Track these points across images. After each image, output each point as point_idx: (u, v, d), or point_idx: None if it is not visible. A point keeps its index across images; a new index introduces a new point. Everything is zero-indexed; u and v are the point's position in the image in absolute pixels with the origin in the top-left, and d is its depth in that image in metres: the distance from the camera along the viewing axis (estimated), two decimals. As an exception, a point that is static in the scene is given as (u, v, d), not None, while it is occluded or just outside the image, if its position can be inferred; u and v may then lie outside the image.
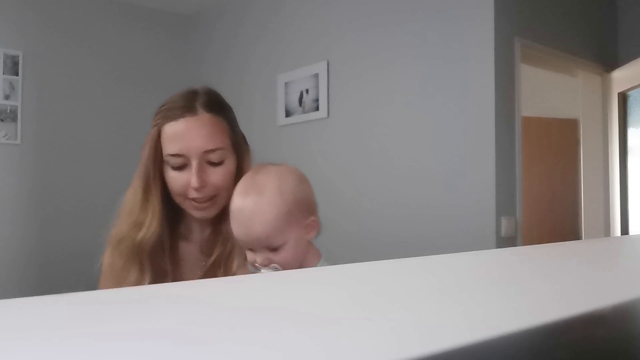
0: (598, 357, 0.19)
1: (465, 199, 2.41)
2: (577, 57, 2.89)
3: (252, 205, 0.85)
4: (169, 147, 0.99)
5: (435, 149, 2.55)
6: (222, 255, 1.03)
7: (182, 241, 1.09)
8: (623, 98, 3.11)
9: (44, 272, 3.35)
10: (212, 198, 1.01)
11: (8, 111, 3.37)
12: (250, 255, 0.88)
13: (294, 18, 3.32)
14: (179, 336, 0.21)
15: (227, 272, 1.01)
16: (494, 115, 2.35)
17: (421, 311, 0.26)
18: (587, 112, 3.26)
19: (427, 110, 2.60)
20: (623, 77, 3.06)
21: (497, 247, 2.27)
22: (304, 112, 3.21)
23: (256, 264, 0.87)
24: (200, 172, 0.98)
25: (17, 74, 3.40)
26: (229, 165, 1.03)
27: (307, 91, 3.19)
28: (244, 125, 1.10)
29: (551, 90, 3.86)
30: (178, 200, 1.03)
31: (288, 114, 3.30)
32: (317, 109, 3.13)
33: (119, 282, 1.00)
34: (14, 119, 3.38)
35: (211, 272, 1.03)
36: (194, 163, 0.98)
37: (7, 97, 3.36)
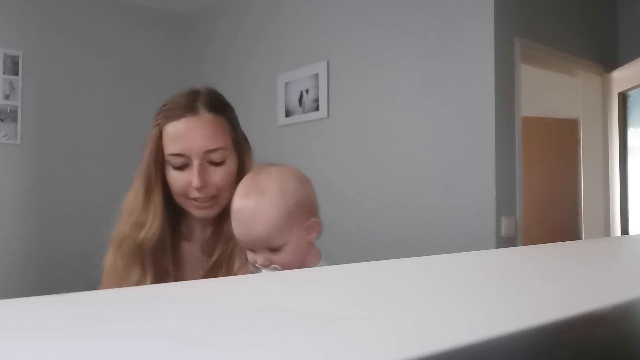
0: (598, 357, 0.19)
1: (465, 199, 2.41)
2: (577, 57, 2.89)
3: (253, 206, 0.84)
4: (171, 147, 0.99)
5: (435, 149, 2.55)
6: (223, 255, 1.03)
7: (184, 241, 1.09)
8: (623, 98, 3.10)
9: (44, 272, 3.35)
10: (213, 198, 1.01)
11: (8, 111, 3.37)
12: (250, 256, 0.88)
13: (294, 18, 3.32)
14: (179, 336, 0.21)
15: (229, 272, 1.01)
16: (494, 115, 2.35)
17: (421, 311, 0.26)
18: (587, 112, 3.26)
19: (427, 110, 2.60)
20: (623, 77, 3.06)
21: (497, 247, 2.27)
22: (304, 112, 3.21)
23: (257, 265, 0.87)
24: (202, 172, 0.98)
25: (17, 74, 3.40)
26: (231, 165, 1.03)
27: (307, 91, 3.19)
28: (244, 125, 1.10)
29: (551, 90, 3.86)
30: (179, 200, 1.03)
31: (288, 114, 3.30)
32: (317, 109, 3.13)
33: (121, 282, 1.00)
34: (14, 119, 3.38)
35: (212, 272, 1.03)
36: (196, 163, 0.98)
37: (7, 97, 3.36)
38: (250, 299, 0.31)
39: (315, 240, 0.92)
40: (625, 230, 3.02)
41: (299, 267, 0.88)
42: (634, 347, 0.20)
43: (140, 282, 0.99)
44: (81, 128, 3.61)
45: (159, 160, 1.01)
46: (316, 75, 3.13)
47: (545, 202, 3.78)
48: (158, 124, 1.01)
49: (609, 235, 3.07)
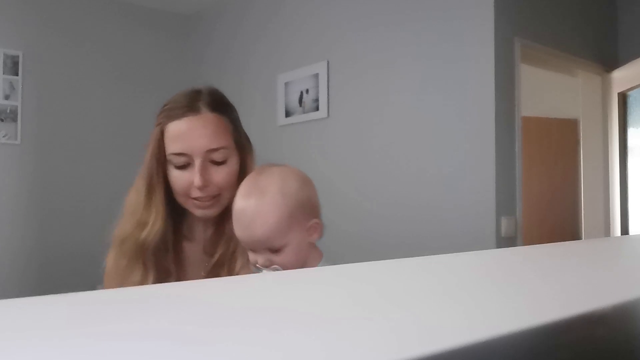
0: (598, 357, 0.19)
1: (465, 198, 2.41)
2: (577, 57, 2.89)
3: (253, 207, 0.84)
4: (172, 146, 0.99)
5: (435, 149, 2.55)
6: (225, 255, 1.03)
7: (185, 241, 1.08)
8: (623, 98, 3.10)
9: (44, 272, 3.35)
10: (214, 197, 1.01)
11: (8, 111, 3.37)
12: (251, 256, 0.88)
13: (294, 18, 3.32)
14: (179, 336, 0.21)
15: (231, 272, 1.01)
16: (494, 115, 2.35)
17: (421, 311, 0.26)
18: (587, 112, 3.26)
19: (427, 111, 2.60)
20: (623, 77, 3.06)
21: (497, 247, 2.27)
22: (304, 112, 3.21)
23: (257, 265, 0.87)
24: (203, 171, 0.98)
25: (17, 74, 3.40)
26: (232, 164, 1.02)
27: (307, 91, 3.19)
28: (244, 126, 1.10)
29: (551, 90, 3.86)
30: (180, 199, 1.03)
31: (288, 114, 3.30)
32: (317, 109, 3.13)
33: (123, 282, 1.00)
34: (14, 119, 3.38)
35: (214, 272, 1.03)
36: (197, 162, 0.98)
37: (7, 97, 3.36)
38: (250, 299, 0.31)
39: (317, 241, 0.92)
40: (625, 230, 3.02)
41: (300, 268, 0.88)
42: (634, 347, 0.20)
43: (142, 281, 0.99)
44: (81, 128, 3.61)
45: (161, 160, 1.01)
46: (316, 75, 3.13)
47: (545, 202, 3.78)
48: (160, 124, 1.01)
49: (609, 235, 3.07)
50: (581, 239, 3.32)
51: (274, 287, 0.36)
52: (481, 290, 0.34)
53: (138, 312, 0.27)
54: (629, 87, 3.04)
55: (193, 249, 1.08)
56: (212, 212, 1.02)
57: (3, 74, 3.35)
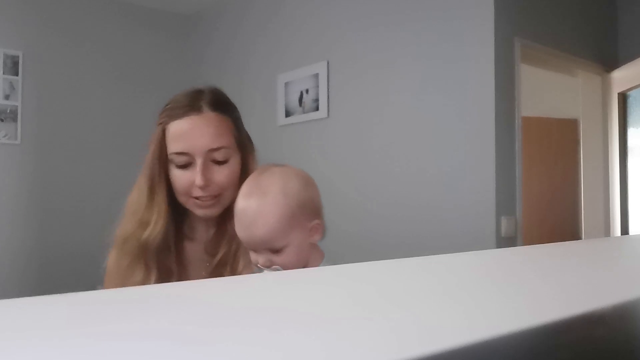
0: (598, 357, 0.19)
1: (465, 199, 2.41)
2: (577, 57, 2.89)
3: (254, 207, 0.84)
4: (174, 146, 0.99)
5: (435, 149, 2.55)
6: (227, 255, 1.03)
7: (187, 241, 1.08)
8: (623, 98, 3.10)
9: (44, 272, 3.35)
10: (216, 197, 1.01)
11: (8, 111, 3.37)
12: (252, 256, 0.88)
13: (294, 18, 3.32)
14: (179, 336, 0.21)
15: (233, 272, 1.00)
16: (494, 115, 2.35)
17: (421, 311, 0.26)
18: (587, 112, 3.26)
19: (427, 111, 2.60)
20: (623, 77, 3.06)
21: (497, 247, 2.27)
22: (304, 112, 3.21)
23: (258, 265, 0.87)
24: (205, 171, 0.98)
25: (17, 74, 3.40)
26: (234, 164, 1.02)
27: (307, 91, 3.19)
28: (244, 125, 1.10)
29: (551, 90, 3.86)
30: (182, 199, 1.02)
31: (288, 114, 3.30)
32: (317, 109, 3.13)
33: (125, 281, 1.00)
34: (14, 119, 3.38)
35: (216, 272, 1.03)
36: (199, 161, 0.98)
37: (7, 97, 3.36)
38: (250, 299, 0.31)
39: (319, 241, 0.91)
40: (625, 230, 3.02)
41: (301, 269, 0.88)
42: (634, 347, 0.20)
43: (144, 281, 0.99)
44: (81, 128, 3.61)
45: (163, 159, 1.01)
46: (316, 75, 3.13)
47: (545, 202, 3.78)
48: (161, 123, 1.01)
49: (609, 235, 3.07)
50: (581, 239, 3.32)
51: (274, 287, 0.36)
52: (481, 290, 0.34)
53: (138, 312, 0.27)
54: (629, 87, 3.04)
55: (194, 249, 1.08)
56: (213, 211, 1.02)
57: (3, 74, 3.35)
